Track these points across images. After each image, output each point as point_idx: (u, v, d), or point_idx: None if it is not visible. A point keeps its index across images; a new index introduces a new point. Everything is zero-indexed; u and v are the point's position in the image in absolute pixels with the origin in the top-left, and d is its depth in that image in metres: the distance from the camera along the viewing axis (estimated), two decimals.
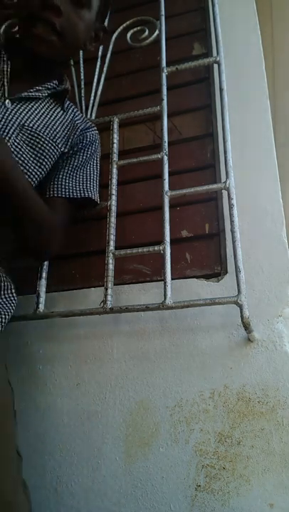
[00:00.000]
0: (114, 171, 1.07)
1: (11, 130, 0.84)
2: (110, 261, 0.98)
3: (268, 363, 0.87)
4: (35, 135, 0.88)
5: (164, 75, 1.12)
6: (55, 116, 0.94)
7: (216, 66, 1.11)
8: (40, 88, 0.91)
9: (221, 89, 1.06)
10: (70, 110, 1.00)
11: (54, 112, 0.94)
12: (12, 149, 0.84)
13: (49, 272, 1.02)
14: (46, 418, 0.96)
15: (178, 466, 0.85)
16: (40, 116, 0.90)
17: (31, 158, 0.87)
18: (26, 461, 0.90)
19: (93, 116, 1.19)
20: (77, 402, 0.96)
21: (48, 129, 0.91)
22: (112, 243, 1.00)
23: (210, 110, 1.18)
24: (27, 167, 0.87)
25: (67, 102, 1.00)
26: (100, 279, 0.98)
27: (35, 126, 0.88)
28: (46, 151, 0.89)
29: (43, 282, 1.00)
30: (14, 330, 1.04)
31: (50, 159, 0.91)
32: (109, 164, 1.08)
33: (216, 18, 1.15)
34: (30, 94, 0.89)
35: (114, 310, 0.94)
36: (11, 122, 0.85)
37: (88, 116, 1.19)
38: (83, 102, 1.23)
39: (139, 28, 1.26)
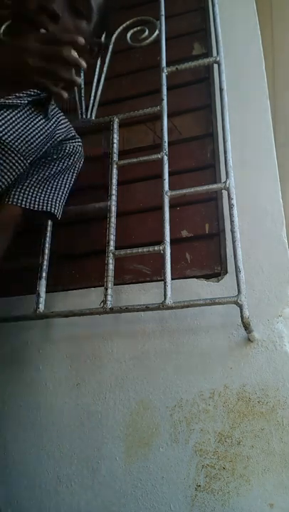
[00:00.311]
0: (114, 171, 1.07)
1: None
2: (110, 261, 0.98)
3: (268, 363, 0.87)
4: (5, 148, 0.82)
5: (164, 75, 1.12)
6: (34, 126, 0.87)
7: (216, 66, 1.11)
8: (20, 95, 0.84)
9: (221, 89, 1.05)
10: (55, 119, 0.93)
11: (33, 121, 0.87)
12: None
13: (49, 272, 1.02)
14: (46, 418, 0.96)
15: (178, 466, 0.85)
16: (16, 125, 0.84)
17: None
18: (26, 461, 0.90)
19: (93, 117, 1.19)
20: (77, 402, 0.96)
21: (21, 140, 0.84)
22: (112, 243, 1.00)
23: (210, 110, 1.18)
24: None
25: (54, 109, 0.94)
26: (100, 279, 0.98)
27: (8, 137, 0.82)
28: (12, 165, 0.84)
29: (43, 282, 1.00)
30: (14, 330, 1.04)
31: (13, 174, 0.85)
32: (109, 164, 1.09)
33: (216, 18, 1.15)
34: (7, 101, 0.82)
35: (114, 310, 0.94)
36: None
37: (88, 116, 1.19)
38: (83, 102, 1.22)
39: (139, 28, 1.26)
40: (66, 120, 0.98)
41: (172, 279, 0.91)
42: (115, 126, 1.14)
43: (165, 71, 1.12)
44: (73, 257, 1.12)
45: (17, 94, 0.84)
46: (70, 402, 0.96)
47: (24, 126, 0.85)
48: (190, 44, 1.29)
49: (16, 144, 0.83)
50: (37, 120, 0.88)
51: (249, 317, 0.85)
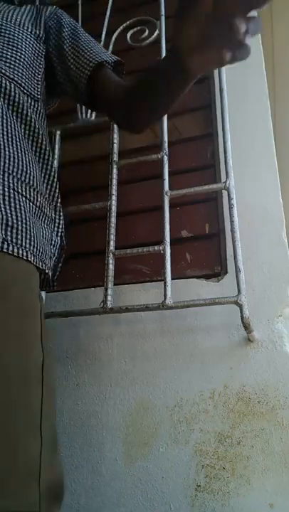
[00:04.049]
0: (114, 171, 1.07)
1: None
2: (110, 261, 0.98)
3: (267, 363, 0.87)
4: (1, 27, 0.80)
5: None
6: (13, 10, 0.87)
7: None
8: None
9: (220, 89, 1.06)
10: (30, 6, 0.92)
11: (10, 8, 0.88)
12: None
13: None
14: None
15: (178, 466, 0.85)
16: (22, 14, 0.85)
17: (3, 46, 0.79)
18: None
19: (93, 117, 1.19)
20: (77, 402, 0.96)
21: (8, 19, 0.84)
22: (112, 243, 1.00)
23: (210, 110, 1.18)
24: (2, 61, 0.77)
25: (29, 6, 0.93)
26: (100, 279, 0.98)
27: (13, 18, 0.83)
28: (14, 34, 0.81)
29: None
30: None
31: (22, 41, 0.82)
32: (109, 164, 1.09)
33: None
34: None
35: (114, 310, 0.94)
36: None
37: (88, 116, 1.19)
38: None
39: (139, 28, 1.26)
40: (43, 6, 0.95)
41: (172, 279, 0.91)
42: (115, 126, 1.14)
43: None
44: (73, 257, 1.12)
45: None
46: (70, 402, 0.96)
47: (3, 12, 0.86)
48: None
49: (6, 22, 0.83)
50: (13, 7, 0.89)
51: (249, 317, 0.85)
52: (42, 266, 0.69)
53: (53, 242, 0.79)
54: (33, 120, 0.78)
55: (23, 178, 0.72)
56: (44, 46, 0.87)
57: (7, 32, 0.81)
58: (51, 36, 0.89)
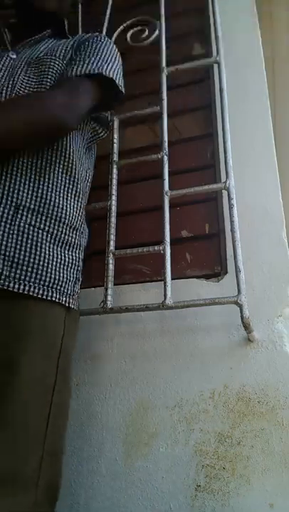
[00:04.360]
0: (115, 171, 1.07)
1: (18, 71, 0.87)
2: (110, 261, 0.98)
3: (267, 363, 0.87)
4: (39, 60, 0.89)
5: (164, 75, 1.12)
6: (58, 42, 0.95)
7: (216, 66, 1.11)
8: (42, 34, 0.96)
9: (221, 89, 1.06)
10: (78, 36, 0.99)
11: (58, 42, 0.96)
12: (21, 85, 0.84)
13: None
14: None
15: (178, 466, 0.85)
16: (45, 49, 0.93)
17: (35, 77, 0.86)
18: None
19: None
20: (77, 402, 0.96)
21: (50, 50, 0.91)
22: (112, 243, 1.00)
23: (210, 110, 1.18)
24: (32, 85, 0.85)
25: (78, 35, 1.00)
26: (100, 279, 0.98)
27: (40, 55, 0.90)
28: (46, 63, 0.88)
29: None
30: None
31: (51, 69, 0.87)
32: (109, 164, 1.08)
33: (216, 18, 1.15)
34: (32, 38, 0.94)
35: (114, 310, 0.94)
36: (17, 67, 0.87)
37: None
38: None
39: (139, 28, 1.26)
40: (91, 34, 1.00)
41: (172, 279, 0.91)
42: (115, 126, 1.14)
43: (165, 71, 1.13)
44: None
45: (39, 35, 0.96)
46: (70, 402, 0.96)
47: (51, 46, 0.95)
48: (190, 44, 1.29)
49: (47, 53, 0.91)
50: (61, 41, 0.97)
51: (249, 317, 0.85)
52: (64, 301, 0.75)
53: (78, 268, 0.83)
54: (68, 149, 0.83)
55: (50, 214, 0.77)
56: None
57: (43, 63, 0.88)
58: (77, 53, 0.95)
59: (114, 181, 1.06)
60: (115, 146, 1.11)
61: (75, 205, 0.83)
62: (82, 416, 0.94)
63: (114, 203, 1.04)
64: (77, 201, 0.84)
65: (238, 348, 0.90)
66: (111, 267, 0.97)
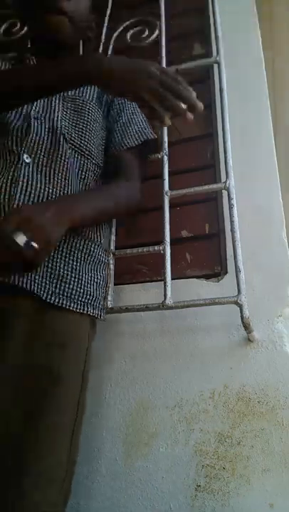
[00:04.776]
0: None
1: (54, 105, 0.92)
2: (110, 261, 0.98)
3: (267, 363, 0.87)
4: (75, 98, 0.95)
5: None
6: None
7: (216, 66, 1.11)
8: None
9: (221, 89, 1.05)
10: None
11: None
12: (61, 116, 0.91)
13: None
14: None
15: (178, 466, 0.85)
16: None
17: (76, 120, 0.93)
18: None
19: None
20: None
21: (81, 92, 0.97)
22: (112, 243, 1.00)
23: (210, 110, 1.18)
24: (77, 129, 0.92)
25: None
26: None
27: (73, 93, 0.96)
28: (85, 107, 0.95)
29: None
30: None
31: (91, 114, 0.96)
32: None
33: (216, 18, 1.15)
34: None
35: (114, 310, 0.94)
36: (53, 100, 0.93)
37: None
38: None
39: (139, 28, 1.26)
40: None
41: (172, 279, 0.91)
42: None
43: None
44: None
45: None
46: None
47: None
48: (190, 44, 1.29)
49: (80, 95, 0.98)
50: None
51: (249, 317, 0.85)
52: (93, 313, 0.83)
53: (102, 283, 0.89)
54: (90, 179, 0.92)
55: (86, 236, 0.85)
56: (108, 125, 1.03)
57: (81, 106, 0.95)
58: (111, 112, 1.04)
59: None
60: None
61: (105, 227, 0.95)
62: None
63: None
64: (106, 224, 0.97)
65: (238, 348, 0.90)
66: (111, 267, 0.97)
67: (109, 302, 0.93)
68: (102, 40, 1.27)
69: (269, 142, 1.08)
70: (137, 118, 1.03)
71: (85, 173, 0.91)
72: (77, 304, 0.79)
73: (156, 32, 1.21)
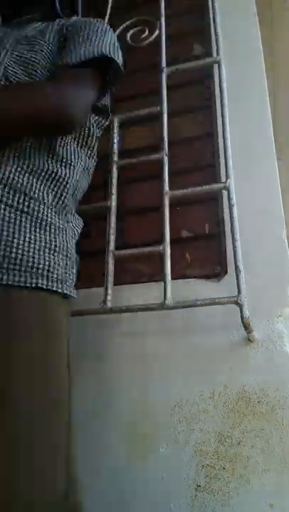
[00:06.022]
0: (114, 170, 1.07)
1: (7, 45, 0.79)
2: (110, 261, 0.98)
3: (267, 363, 0.87)
4: (27, 38, 0.82)
5: (164, 75, 1.12)
6: (47, 25, 0.87)
7: (216, 66, 1.11)
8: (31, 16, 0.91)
9: (221, 90, 1.05)
10: (65, 20, 0.91)
11: (47, 24, 0.88)
12: (10, 58, 0.76)
13: None
14: None
15: (178, 466, 0.85)
16: (32, 30, 0.86)
17: (26, 52, 0.79)
18: None
19: None
20: (78, 402, 0.96)
21: (39, 32, 0.84)
22: (112, 243, 1.00)
23: (210, 110, 1.18)
24: (22, 66, 0.76)
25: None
26: (100, 279, 0.98)
27: (28, 34, 0.83)
28: (35, 44, 0.80)
29: None
30: None
31: (40, 48, 0.79)
32: (109, 164, 1.08)
33: (216, 18, 1.15)
34: (20, 20, 0.89)
35: (114, 310, 0.94)
36: (5, 42, 0.80)
37: None
38: None
39: (139, 28, 1.26)
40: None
41: (172, 279, 0.91)
42: (115, 126, 1.14)
43: (165, 71, 1.12)
44: None
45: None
46: (70, 403, 0.96)
47: (41, 28, 0.87)
48: (190, 44, 1.29)
49: (36, 35, 0.85)
50: (51, 23, 0.89)
51: (249, 317, 0.85)
52: (47, 286, 0.64)
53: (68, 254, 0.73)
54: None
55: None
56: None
57: (33, 45, 0.82)
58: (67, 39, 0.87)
59: (114, 181, 1.06)
60: (115, 146, 1.11)
61: (56, 187, 0.75)
62: (82, 416, 0.94)
63: (114, 203, 1.04)
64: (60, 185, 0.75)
65: (238, 348, 0.90)
66: (111, 267, 0.97)
67: (109, 302, 0.93)
68: None
69: (269, 142, 1.08)
70: (104, 37, 0.84)
71: None
72: (24, 277, 0.61)
73: (156, 32, 1.21)
